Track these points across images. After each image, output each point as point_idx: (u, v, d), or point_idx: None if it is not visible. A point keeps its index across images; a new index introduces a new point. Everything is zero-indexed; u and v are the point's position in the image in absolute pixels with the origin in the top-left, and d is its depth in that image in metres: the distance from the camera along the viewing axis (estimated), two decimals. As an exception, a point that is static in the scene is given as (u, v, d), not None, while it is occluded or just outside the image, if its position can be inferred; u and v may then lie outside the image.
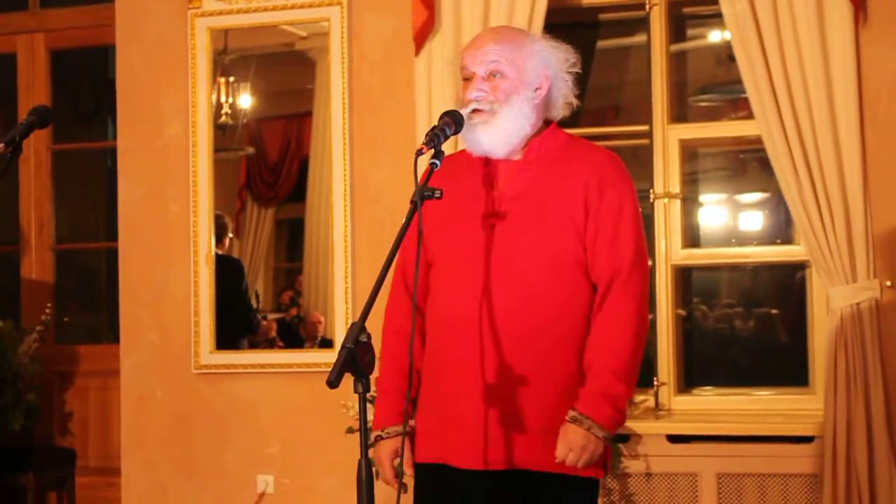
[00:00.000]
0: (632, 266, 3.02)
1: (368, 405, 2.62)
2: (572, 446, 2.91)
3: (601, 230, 3.01)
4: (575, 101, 3.13)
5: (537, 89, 3.05)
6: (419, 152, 2.79)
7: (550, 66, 3.07)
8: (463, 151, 3.18)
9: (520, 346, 2.96)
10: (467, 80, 3.04)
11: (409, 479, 3.07)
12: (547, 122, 3.13)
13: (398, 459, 3.08)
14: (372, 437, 3.12)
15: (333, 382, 2.38)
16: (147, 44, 5.51)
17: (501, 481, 2.99)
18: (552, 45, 3.12)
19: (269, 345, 5.49)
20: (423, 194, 2.69)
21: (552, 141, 3.10)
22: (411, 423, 3.12)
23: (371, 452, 3.10)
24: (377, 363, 3.07)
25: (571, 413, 2.94)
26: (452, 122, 2.89)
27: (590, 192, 3.01)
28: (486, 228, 3.00)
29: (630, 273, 3.02)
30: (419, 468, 3.07)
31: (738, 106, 5.37)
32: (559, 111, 3.12)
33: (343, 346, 2.43)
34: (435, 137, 2.81)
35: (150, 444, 5.45)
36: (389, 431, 3.11)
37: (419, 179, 2.75)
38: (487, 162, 3.06)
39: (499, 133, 3.00)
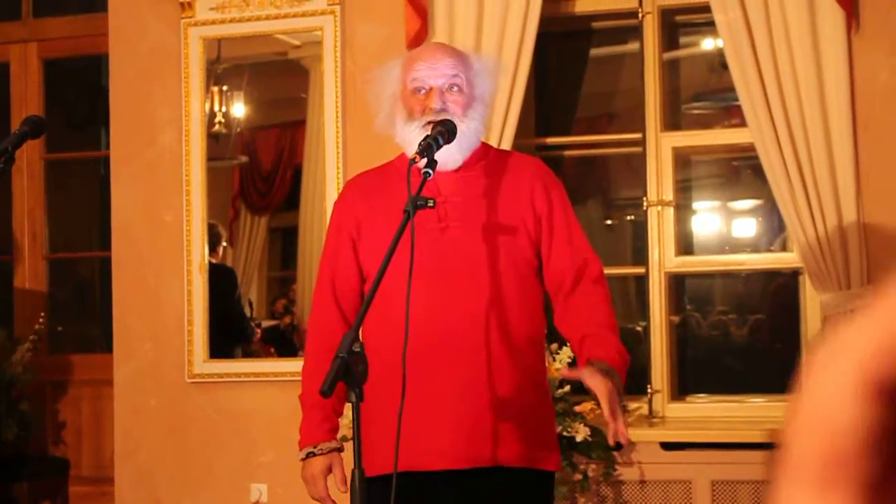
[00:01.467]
0: (593, 258, 3.13)
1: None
2: (612, 398, 2.86)
3: (556, 232, 3.10)
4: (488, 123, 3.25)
5: (483, 105, 3.14)
6: (412, 161, 2.80)
7: (490, 85, 3.17)
8: (387, 164, 3.23)
9: (494, 347, 2.99)
10: (418, 93, 3.07)
11: (342, 495, 2.97)
12: None
13: (331, 476, 3.08)
14: (302, 453, 3.12)
15: (326, 392, 2.39)
16: (140, 53, 5.51)
17: (476, 479, 3.00)
18: (491, 65, 3.24)
19: (257, 352, 5.51)
20: (417, 203, 2.69)
21: (485, 151, 3.19)
22: (340, 441, 3.14)
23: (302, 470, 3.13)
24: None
25: (601, 365, 2.93)
26: (446, 131, 2.90)
27: (536, 196, 3.10)
28: (438, 236, 3.03)
29: (595, 264, 3.12)
30: (376, 481, 2.94)
31: (731, 114, 5.38)
32: (485, 129, 3.25)
33: (336, 356, 2.42)
34: (428, 147, 2.82)
35: (144, 454, 5.44)
36: (322, 448, 3.10)
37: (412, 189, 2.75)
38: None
39: (458, 145, 3.01)
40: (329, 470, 3.09)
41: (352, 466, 3.02)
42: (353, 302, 3.14)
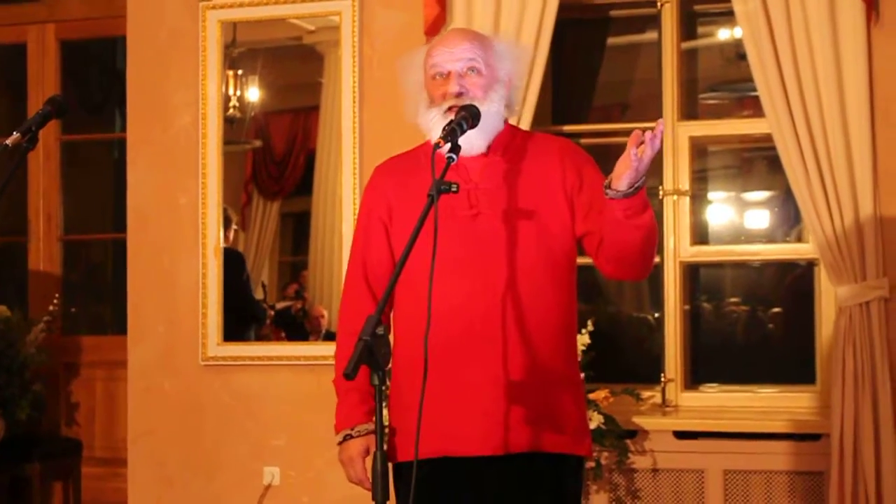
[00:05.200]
0: None
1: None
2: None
3: (593, 201, 3.03)
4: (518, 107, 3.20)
5: (506, 88, 3.11)
6: (436, 146, 2.79)
7: (514, 67, 3.15)
8: (415, 149, 3.23)
9: (525, 334, 2.99)
10: (437, 78, 3.07)
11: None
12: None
13: (369, 458, 3.04)
14: (339, 436, 3.13)
15: (350, 374, 2.38)
16: (158, 35, 5.51)
17: (508, 465, 3.01)
18: (515, 47, 3.23)
19: (268, 335, 5.52)
20: (440, 188, 2.69)
21: (513, 134, 3.17)
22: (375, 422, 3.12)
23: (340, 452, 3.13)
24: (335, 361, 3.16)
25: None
26: (469, 116, 2.89)
27: (568, 175, 3.09)
28: (469, 222, 3.03)
29: None
30: (410, 465, 2.92)
31: (744, 105, 5.38)
32: (513, 111, 3.19)
33: (360, 339, 2.42)
34: (452, 132, 2.80)
35: (157, 436, 5.45)
36: (360, 430, 3.12)
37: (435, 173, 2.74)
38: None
39: (481, 130, 3.00)
40: (367, 452, 3.09)
41: (373, 449, 3.05)
42: (385, 285, 3.10)
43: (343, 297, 3.27)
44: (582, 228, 3.07)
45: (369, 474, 2.98)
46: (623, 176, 2.78)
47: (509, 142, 3.13)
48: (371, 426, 3.11)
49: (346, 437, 3.13)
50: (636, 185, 2.80)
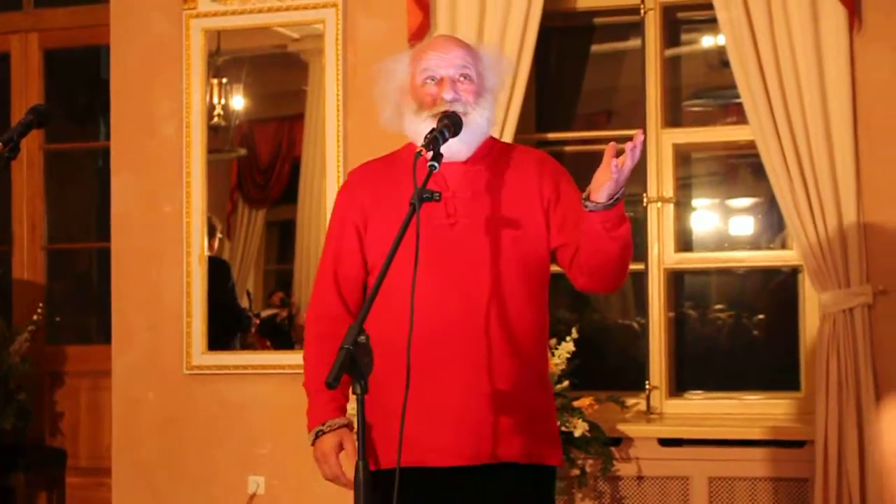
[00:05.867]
0: None
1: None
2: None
3: (568, 213, 3.04)
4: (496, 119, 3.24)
5: (493, 97, 3.13)
6: (418, 154, 2.78)
7: (498, 79, 3.17)
8: (392, 154, 3.23)
9: (499, 343, 2.98)
10: (427, 83, 3.06)
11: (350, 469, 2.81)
12: None
13: (343, 454, 3.07)
14: (311, 434, 3.10)
15: (332, 384, 2.37)
16: (141, 44, 5.50)
17: (481, 476, 2.99)
18: (499, 59, 3.23)
19: (253, 344, 5.52)
20: (423, 196, 2.68)
21: (493, 145, 3.17)
22: (349, 416, 3.10)
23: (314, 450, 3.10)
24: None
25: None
26: (451, 124, 2.89)
27: (544, 186, 3.09)
28: (447, 231, 3.02)
29: None
30: (383, 474, 2.90)
31: (728, 111, 5.38)
32: (492, 123, 3.19)
33: (342, 348, 2.41)
34: (434, 140, 2.80)
35: (142, 445, 5.44)
36: (331, 424, 3.07)
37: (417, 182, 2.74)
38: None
39: (464, 138, 3.00)
40: (340, 447, 3.07)
41: (347, 444, 3.04)
42: (356, 291, 3.13)
43: (312, 301, 3.23)
44: (557, 241, 3.07)
45: (345, 469, 2.99)
46: (603, 188, 2.78)
47: (488, 152, 3.13)
48: (343, 420, 3.08)
49: (319, 434, 3.09)
50: (615, 197, 2.80)
